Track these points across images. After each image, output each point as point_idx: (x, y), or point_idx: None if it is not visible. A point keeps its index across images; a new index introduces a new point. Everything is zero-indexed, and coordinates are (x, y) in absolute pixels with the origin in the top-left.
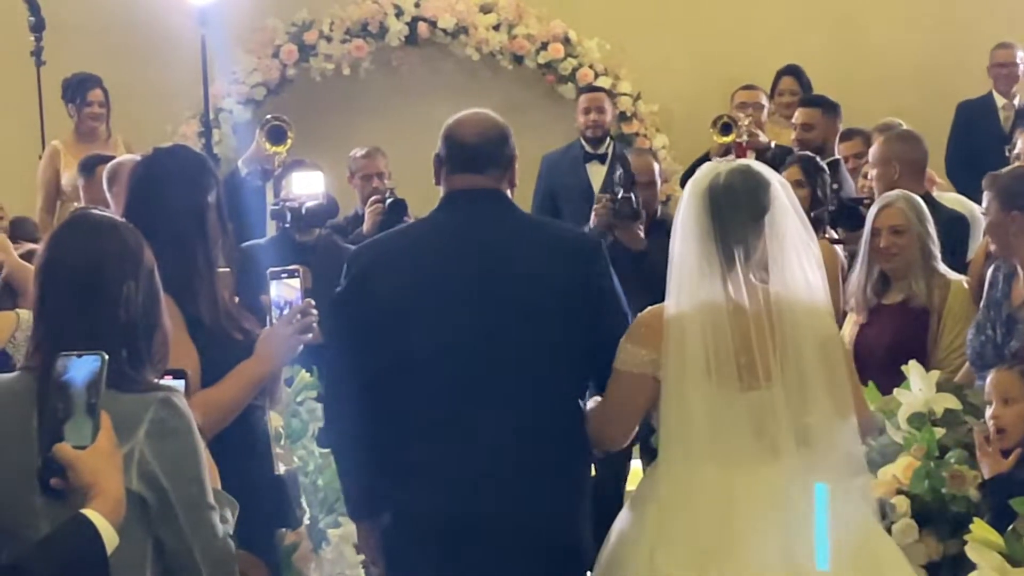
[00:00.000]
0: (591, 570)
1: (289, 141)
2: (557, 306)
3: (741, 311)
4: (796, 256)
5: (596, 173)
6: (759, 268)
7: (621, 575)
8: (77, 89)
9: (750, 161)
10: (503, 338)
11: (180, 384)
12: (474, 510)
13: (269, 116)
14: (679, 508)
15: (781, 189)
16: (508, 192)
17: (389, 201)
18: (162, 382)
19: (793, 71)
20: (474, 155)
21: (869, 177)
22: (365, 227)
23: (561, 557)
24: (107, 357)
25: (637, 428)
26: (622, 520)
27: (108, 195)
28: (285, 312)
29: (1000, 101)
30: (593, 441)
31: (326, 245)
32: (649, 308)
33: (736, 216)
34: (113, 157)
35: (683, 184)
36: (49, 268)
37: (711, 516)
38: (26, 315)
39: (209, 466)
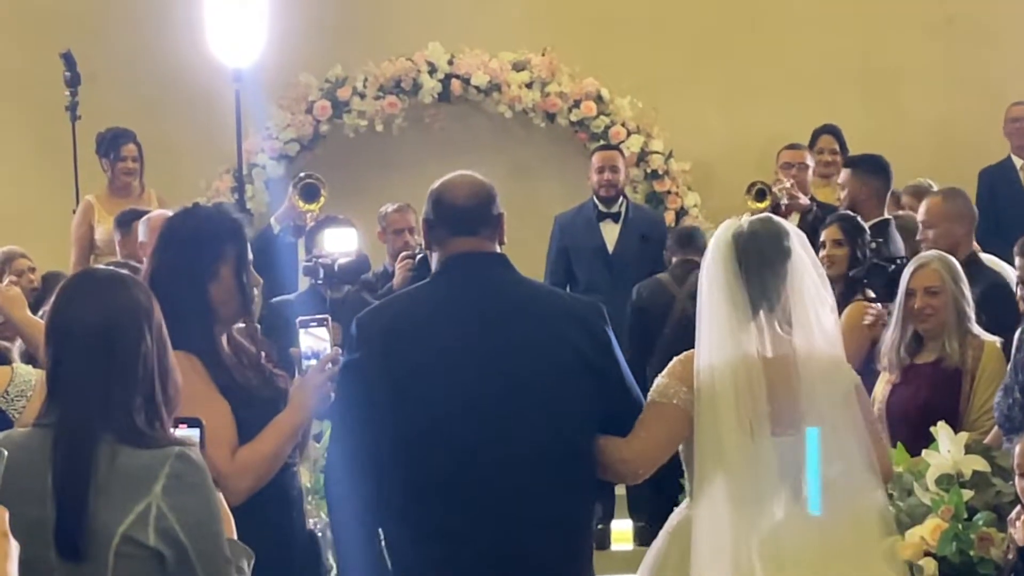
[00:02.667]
0: None
1: (322, 199)
2: (569, 371)
3: (768, 361)
4: (814, 307)
5: (610, 231)
6: (783, 318)
7: None
8: (111, 144)
9: (769, 214)
10: (510, 402)
11: (195, 433)
12: (484, 567)
13: (302, 174)
14: (710, 552)
15: (798, 240)
16: (499, 249)
17: (419, 257)
18: (178, 432)
19: (831, 130)
20: (467, 217)
21: (921, 237)
22: (395, 282)
23: None
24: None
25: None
26: (654, 552)
27: (140, 248)
28: (314, 362)
29: (1018, 162)
30: (616, 473)
31: (355, 301)
32: (684, 353)
33: (762, 260)
34: (148, 212)
35: None
36: (61, 328)
37: (734, 556)
38: (23, 370)
39: (224, 516)
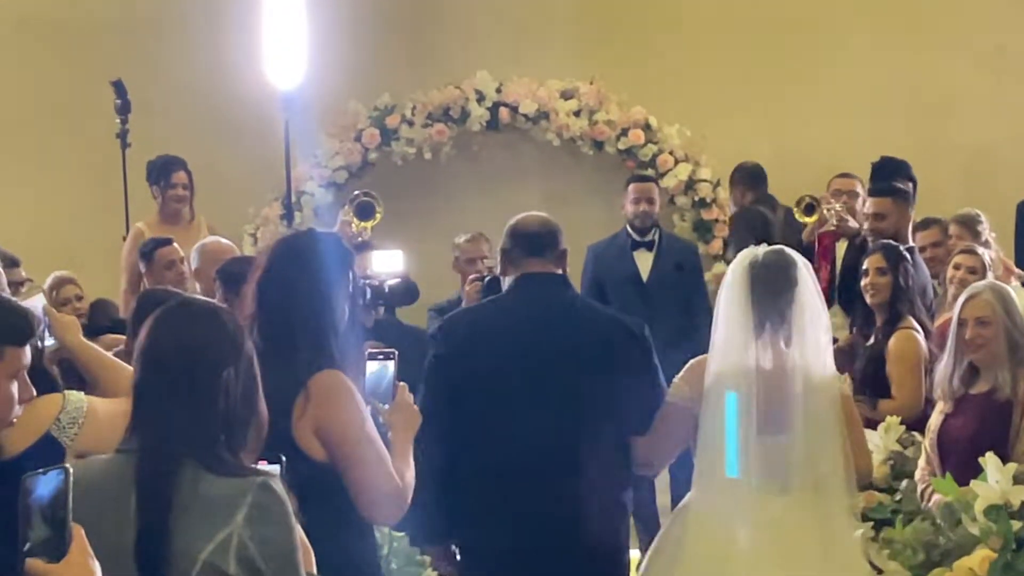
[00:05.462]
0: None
1: (378, 216)
2: (615, 370)
3: (765, 372)
4: (813, 329)
5: (644, 260)
6: (784, 336)
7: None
8: (161, 171)
9: (782, 246)
10: (574, 390)
11: (275, 469)
12: (543, 533)
13: (357, 192)
14: (701, 528)
15: (805, 269)
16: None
17: (488, 279)
18: (259, 467)
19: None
20: (538, 242)
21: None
22: (466, 304)
23: (613, 566)
24: (71, 470)
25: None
26: (661, 535)
27: (192, 274)
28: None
29: None
30: (640, 465)
31: (388, 325)
32: (699, 357)
33: (770, 287)
34: (168, 240)
35: None
36: (149, 354)
37: (726, 540)
38: (74, 397)
39: (307, 550)
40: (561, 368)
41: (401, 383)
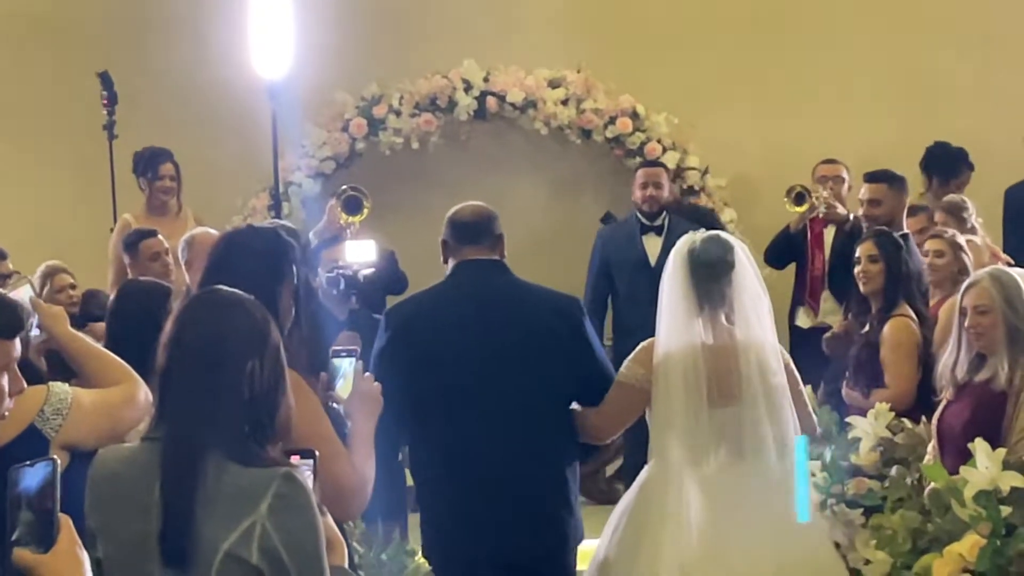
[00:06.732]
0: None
1: (365, 211)
2: (547, 349)
3: (711, 347)
4: (754, 305)
5: (652, 245)
6: (726, 314)
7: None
8: (148, 163)
9: (720, 232)
10: (507, 372)
11: (309, 464)
12: (486, 504)
13: (345, 186)
14: (661, 500)
15: (743, 252)
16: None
17: None
18: (289, 460)
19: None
20: (473, 231)
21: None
22: None
23: (554, 528)
24: (58, 462)
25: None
26: (617, 512)
27: (183, 267)
28: (341, 384)
29: None
30: (588, 436)
31: (362, 316)
32: (648, 339)
33: (708, 270)
34: (153, 232)
35: (766, 259)
36: (175, 343)
37: (686, 509)
38: (58, 388)
39: (337, 542)
40: (496, 348)
41: (366, 373)
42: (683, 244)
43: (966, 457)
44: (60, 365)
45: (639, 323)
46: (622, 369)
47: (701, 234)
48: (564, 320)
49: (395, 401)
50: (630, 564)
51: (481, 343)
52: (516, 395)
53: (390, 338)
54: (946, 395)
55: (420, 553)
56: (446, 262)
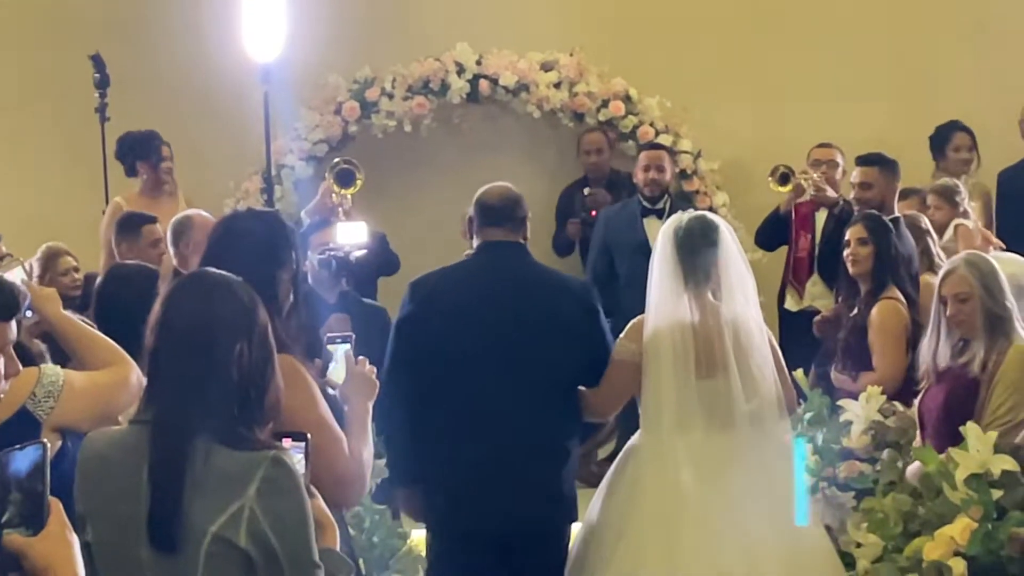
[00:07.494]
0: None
1: (358, 183)
2: (561, 330)
3: (699, 323)
4: (740, 282)
5: (653, 228)
6: (712, 290)
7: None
8: (148, 146)
9: (705, 212)
10: (522, 349)
11: (301, 447)
12: (493, 472)
13: (337, 159)
14: (651, 466)
15: (727, 232)
16: (523, 242)
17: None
18: (280, 443)
19: (962, 127)
20: (498, 213)
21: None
22: None
23: (554, 502)
24: (48, 445)
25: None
26: (608, 477)
27: (171, 249)
28: (334, 368)
29: None
30: (590, 413)
31: (352, 299)
32: (638, 316)
33: (693, 249)
34: (152, 218)
35: (757, 241)
36: (163, 325)
37: (675, 475)
38: (50, 370)
39: (328, 524)
40: (512, 326)
41: (361, 357)
42: (670, 224)
43: (944, 440)
44: (59, 348)
45: (640, 305)
46: (616, 346)
47: (688, 214)
48: (579, 303)
49: (416, 367)
50: (620, 525)
51: (499, 320)
52: (529, 371)
53: (413, 309)
54: (927, 380)
55: (410, 536)
56: (471, 239)
